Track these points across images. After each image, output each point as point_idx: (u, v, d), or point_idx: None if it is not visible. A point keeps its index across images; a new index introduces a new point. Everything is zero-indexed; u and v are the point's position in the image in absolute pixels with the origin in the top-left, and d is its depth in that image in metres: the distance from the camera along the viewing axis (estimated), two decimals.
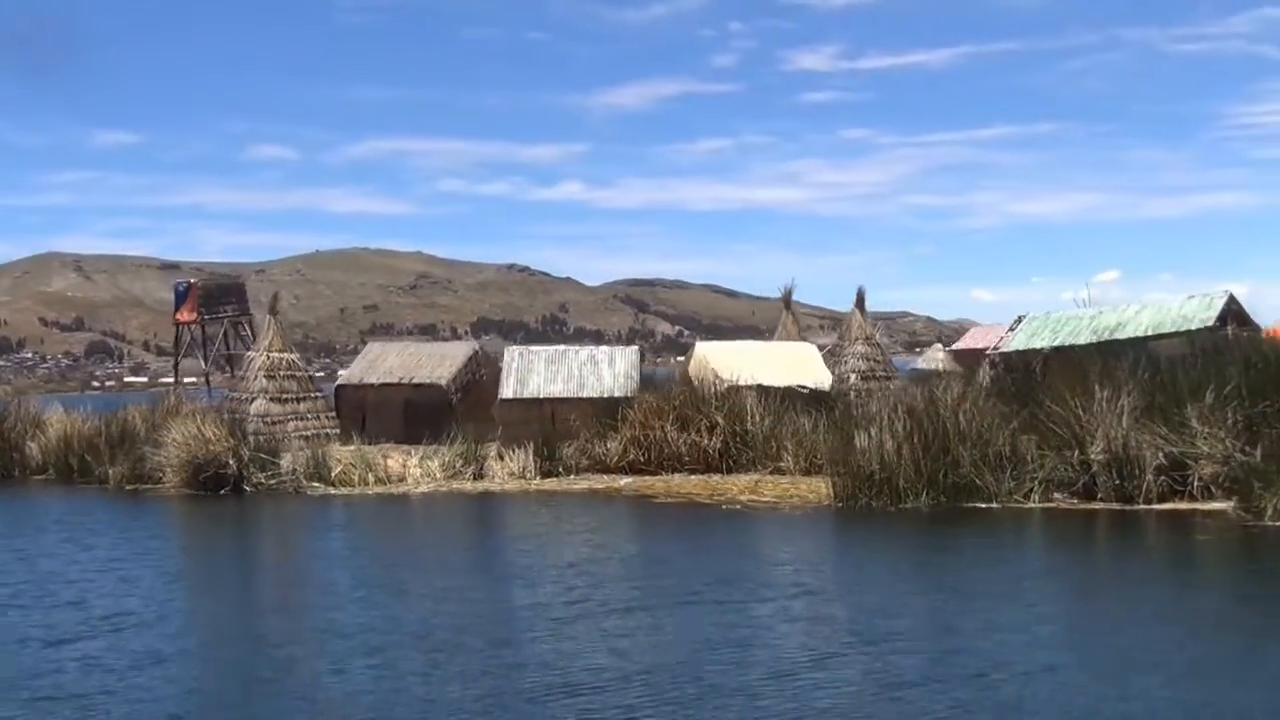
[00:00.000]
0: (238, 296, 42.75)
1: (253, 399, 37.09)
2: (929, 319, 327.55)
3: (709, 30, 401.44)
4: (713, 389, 32.02)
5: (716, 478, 29.57)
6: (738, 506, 25.38)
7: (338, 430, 37.27)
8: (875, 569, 18.64)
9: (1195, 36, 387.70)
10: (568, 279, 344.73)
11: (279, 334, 38.29)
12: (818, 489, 26.21)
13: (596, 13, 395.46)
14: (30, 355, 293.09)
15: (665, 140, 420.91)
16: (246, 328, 42.54)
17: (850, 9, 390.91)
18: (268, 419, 36.52)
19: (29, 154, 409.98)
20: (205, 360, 42.77)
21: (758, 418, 30.78)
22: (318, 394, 38.47)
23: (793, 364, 36.34)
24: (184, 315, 41.33)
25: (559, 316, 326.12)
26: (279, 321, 38.60)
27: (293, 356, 38.37)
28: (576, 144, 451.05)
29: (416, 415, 35.59)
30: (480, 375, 36.50)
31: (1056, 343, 30.55)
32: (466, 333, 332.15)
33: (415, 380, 35.93)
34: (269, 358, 37.70)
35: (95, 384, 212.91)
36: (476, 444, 31.49)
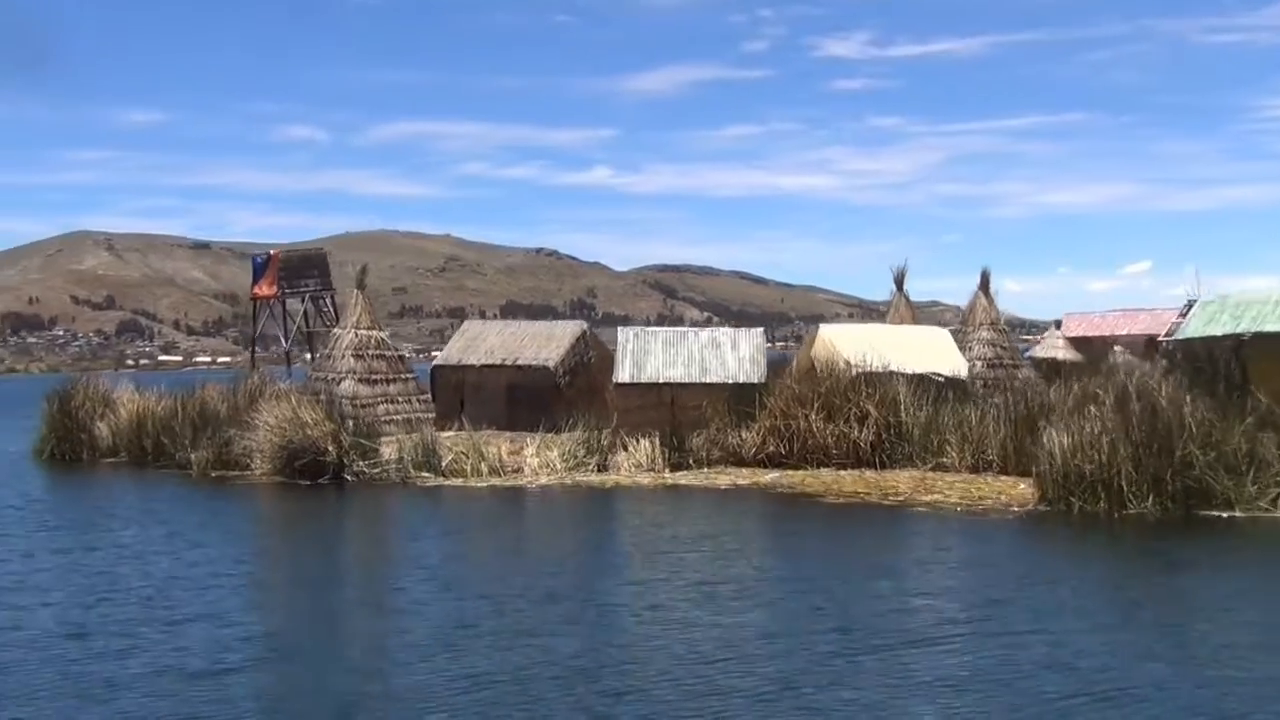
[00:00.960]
0: (320, 269, 39.66)
1: (340, 380, 34.11)
2: (958, 308, 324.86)
3: (739, 16, 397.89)
4: (852, 376, 28.84)
5: (870, 474, 26.47)
6: (922, 509, 22.27)
7: (432, 414, 34.30)
8: (1150, 587, 15.55)
9: (1225, 28, 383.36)
10: (596, 264, 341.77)
11: (367, 309, 35.28)
12: (1009, 489, 23.11)
13: None
14: (61, 333, 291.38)
15: (694, 126, 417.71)
16: (328, 303, 39.39)
17: None
18: (356, 402, 33.57)
19: (57, 131, 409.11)
20: (285, 338, 39.70)
21: (912, 407, 27.64)
22: (409, 375, 35.46)
23: (925, 349, 33.14)
24: (262, 289, 38.19)
25: (587, 301, 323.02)
26: (367, 296, 35.57)
27: (382, 334, 35.39)
28: (605, 129, 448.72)
29: (520, 399, 32.57)
30: (589, 357, 33.43)
31: (1239, 329, 27.29)
32: (495, 315, 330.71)
33: (520, 361, 32.88)
34: (356, 335, 34.74)
35: (130, 363, 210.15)
36: (600, 432, 28.39)
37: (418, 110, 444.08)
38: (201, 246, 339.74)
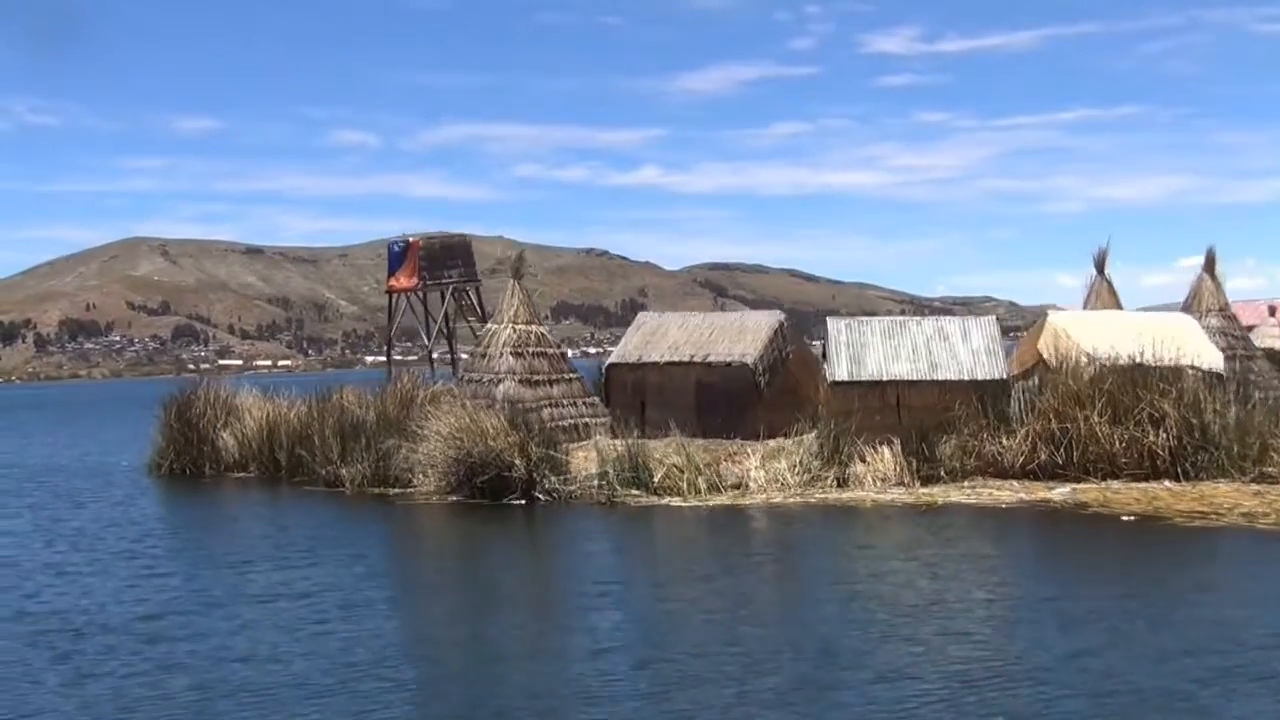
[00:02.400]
0: (463, 258, 34.86)
1: (497, 381, 29.63)
2: (1011, 304, 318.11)
3: (785, 13, 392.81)
4: (1132, 371, 24.12)
5: (1173, 486, 21.79)
6: None
7: (604, 419, 29.83)
8: None
9: None
10: (647, 263, 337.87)
11: (525, 302, 30.78)
12: None
13: None
14: (118, 338, 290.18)
15: (743, 124, 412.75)
16: (469, 296, 34.72)
17: None
18: (518, 406, 29.10)
19: (112, 140, 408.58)
20: (428, 336, 35.06)
21: (1219, 406, 22.92)
22: (572, 374, 30.94)
23: (1170, 340, 28.28)
24: (401, 281, 33.61)
25: (638, 301, 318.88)
26: (523, 286, 31.08)
27: (541, 329, 30.88)
28: (654, 128, 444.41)
29: (712, 402, 27.99)
30: (786, 352, 28.80)
31: None
32: (547, 316, 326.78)
33: (711, 358, 28.27)
34: (514, 330, 30.24)
35: (191, 367, 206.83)
36: (839, 439, 23.80)
37: (468, 113, 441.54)
38: (255, 251, 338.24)
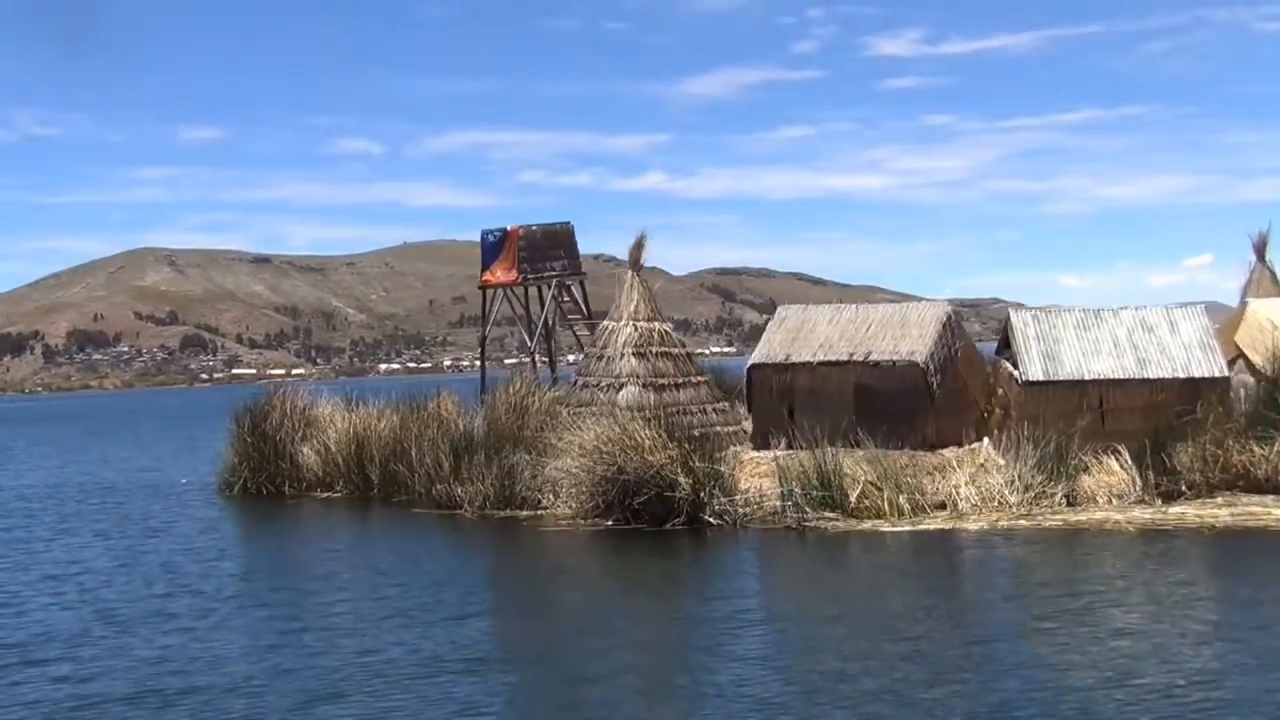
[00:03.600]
0: (567, 248, 30.90)
1: (619, 385, 25.79)
2: (1019, 305, 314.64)
3: (788, 17, 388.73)
4: None
5: None
6: None
7: (738, 428, 26.06)
8: None
9: None
10: (654, 268, 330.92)
11: (645, 296, 26.94)
12: None
13: (674, 2, 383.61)
14: (126, 349, 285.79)
15: (747, 129, 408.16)
16: (572, 292, 30.52)
17: None
18: (644, 414, 25.28)
19: (118, 150, 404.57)
20: (530, 335, 30.90)
21: None
22: (700, 377, 27.10)
23: None
24: (498, 275, 29.42)
25: None
26: (643, 278, 27.23)
27: (665, 326, 27.03)
28: (658, 134, 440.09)
29: (874, 406, 24.10)
30: (955, 349, 24.91)
31: None
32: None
33: (874, 357, 24.37)
34: (636, 328, 26.41)
35: (204, 377, 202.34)
36: (1064, 449, 19.96)
37: (472, 120, 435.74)
38: (262, 260, 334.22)
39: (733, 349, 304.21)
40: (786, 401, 25.07)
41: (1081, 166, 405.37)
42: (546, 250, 29.42)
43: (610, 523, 20.44)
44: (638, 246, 27.20)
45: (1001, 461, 21.16)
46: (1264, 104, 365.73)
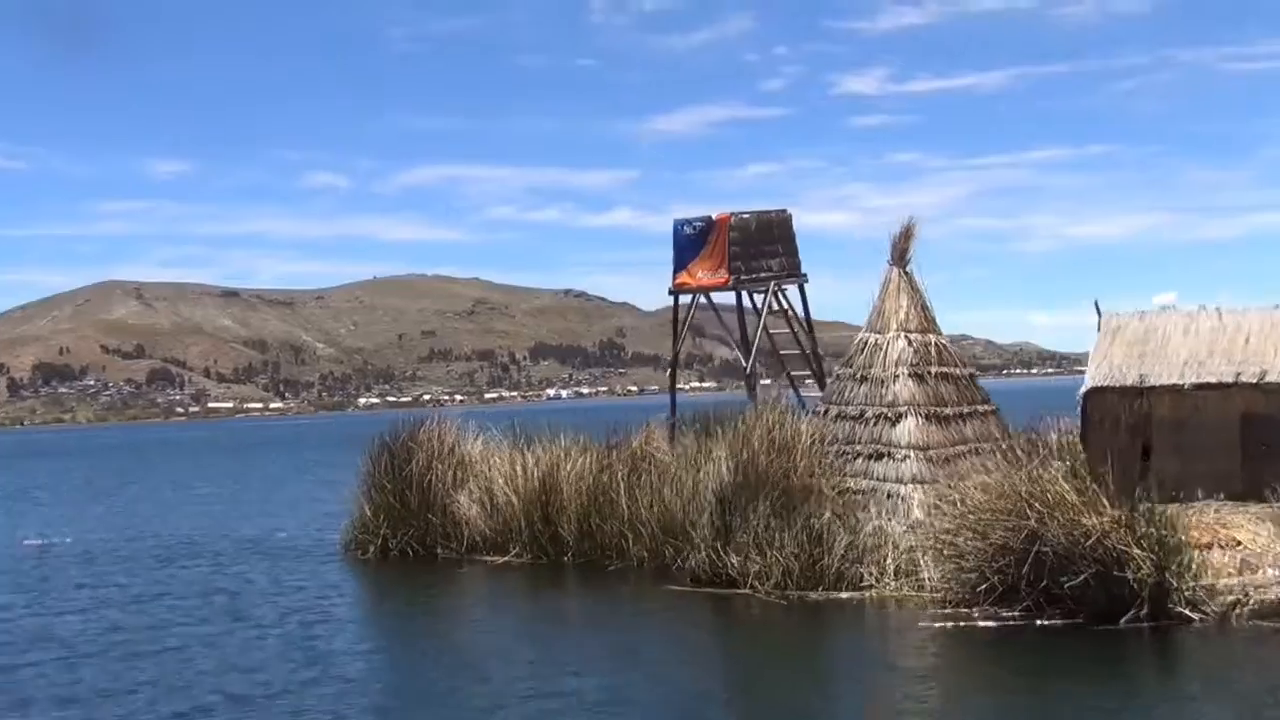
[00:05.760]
0: (784, 242, 22.91)
1: (896, 417, 19.08)
2: (989, 342, 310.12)
3: (755, 55, 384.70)
4: None
5: None
6: None
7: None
8: None
9: (1248, 56, 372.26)
10: (624, 304, 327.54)
11: (916, 302, 20.23)
12: None
13: (643, 39, 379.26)
14: (93, 382, 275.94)
15: (714, 165, 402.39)
16: (788, 298, 23.25)
17: (898, 32, 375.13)
18: (929, 455, 18.68)
19: (85, 183, 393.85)
20: (746, 354, 23.63)
21: None
22: (987, 406, 20.37)
23: None
24: (698, 276, 22.18)
25: (616, 341, 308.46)
26: (912, 279, 20.48)
27: (941, 340, 20.30)
28: (626, 170, 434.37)
29: (1267, 443, 17.53)
30: None
31: None
32: (525, 358, 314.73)
33: (1271, 378, 17.78)
34: (908, 342, 19.73)
35: (180, 410, 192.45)
36: None
37: (441, 155, 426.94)
38: (230, 294, 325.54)
39: (706, 385, 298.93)
40: (1139, 437, 18.39)
41: (1050, 205, 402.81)
42: (762, 244, 22.52)
43: (1016, 614, 13.67)
44: (905, 236, 20.46)
45: None
46: (1226, 142, 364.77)
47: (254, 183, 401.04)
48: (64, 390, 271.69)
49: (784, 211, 23.09)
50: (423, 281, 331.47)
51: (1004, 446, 19.31)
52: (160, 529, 28.16)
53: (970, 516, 14.37)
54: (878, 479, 18.73)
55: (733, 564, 16.43)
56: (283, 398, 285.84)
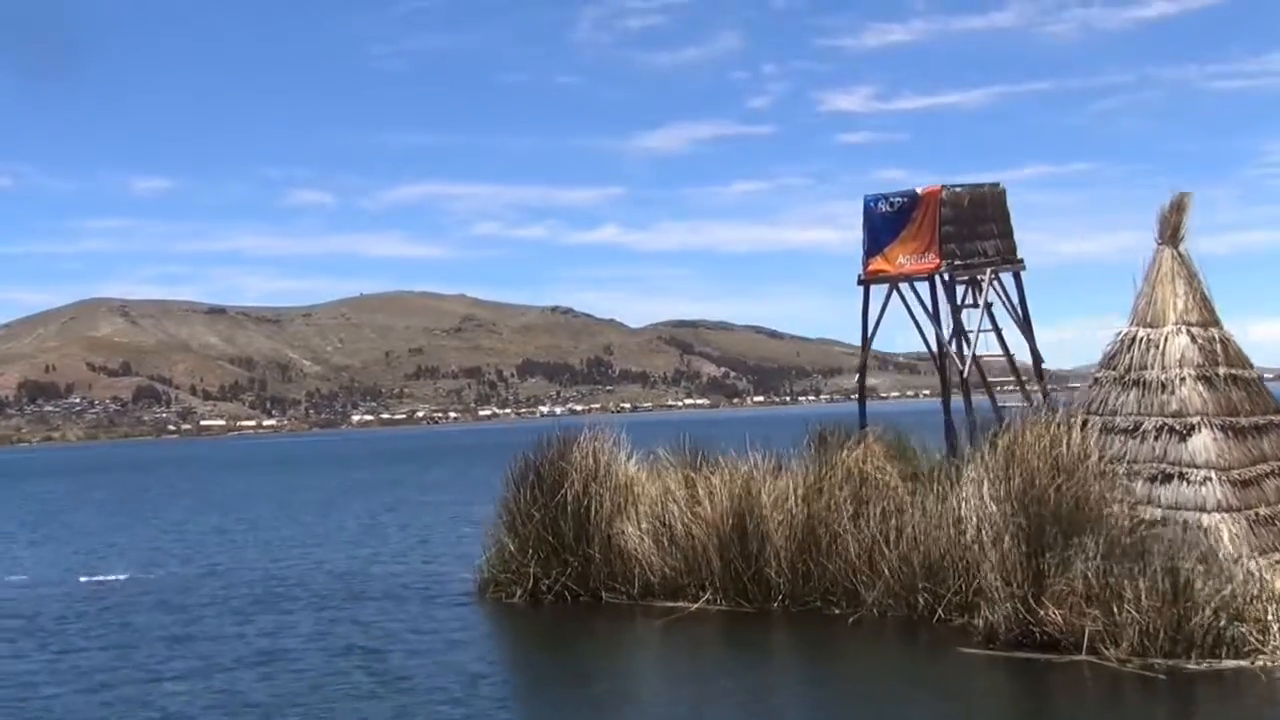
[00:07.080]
0: (999, 221, 18.76)
1: (1186, 431, 15.21)
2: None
3: (742, 72, 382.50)
4: None
5: None
6: None
7: None
8: None
9: (1230, 74, 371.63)
10: (611, 320, 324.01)
11: (1196, 291, 16.35)
12: None
13: (628, 56, 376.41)
14: (78, 400, 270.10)
15: (701, 183, 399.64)
16: (1003, 285, 18.74)
17: (884, 50, 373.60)
18: (1233, 478, 14.86)
19: (69, 201, 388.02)
20: (960, 355, 19.04)
21: None
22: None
23: None
24: (900, 262, 17.73)
25: (603, 358, 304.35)
26: (1187, 260, 16.54)
27: (1228, 334, 16.39)
28: (613, 187, 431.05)
29: None
30: None
31: None
32: (513, 375, 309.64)
33: None
34: (1190, 337, 15.90)
35: (172, 428, 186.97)
36: None
37: (427, 172, 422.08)
38: (217, 311, 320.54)
39: (694, 400, 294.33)
40: None
41: (1033, 222, 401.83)
42: (975, 224, 18.54)
43: None
44: (1176, 209, 16.60)
45: None
46: (1209, 160, 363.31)
47: (239, 200, 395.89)
48: (50, 408, 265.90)
49: (997, 185, 19.06)
50: (409, 298, 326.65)
51: None
52: (229, 560, 23.96)
53: None
54: (1167, 506, 14.91)
55: (1056, 621, 12.45)
56: (270, 415, 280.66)
